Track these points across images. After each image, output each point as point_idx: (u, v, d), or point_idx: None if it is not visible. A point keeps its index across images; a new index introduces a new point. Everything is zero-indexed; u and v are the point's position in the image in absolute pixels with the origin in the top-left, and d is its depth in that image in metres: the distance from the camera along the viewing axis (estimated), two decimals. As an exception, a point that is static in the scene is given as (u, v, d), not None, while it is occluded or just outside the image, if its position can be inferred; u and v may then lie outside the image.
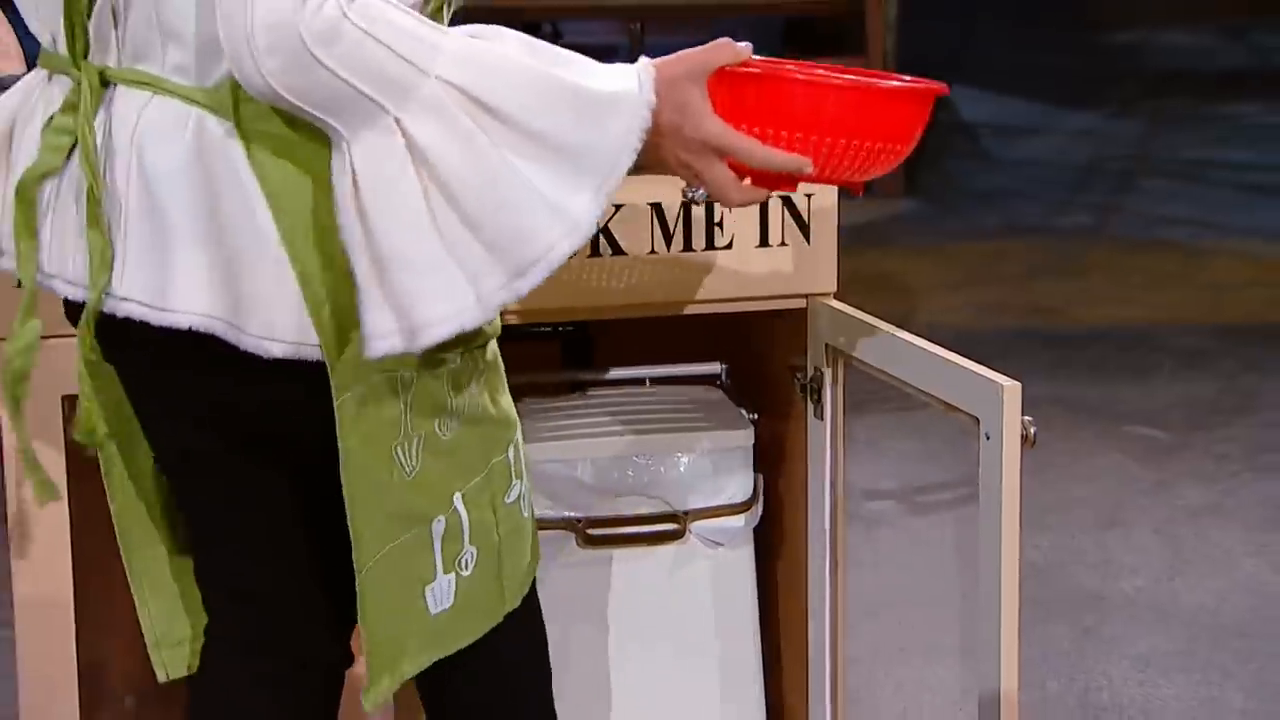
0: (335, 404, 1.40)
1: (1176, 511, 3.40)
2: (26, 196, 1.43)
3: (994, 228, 5.63)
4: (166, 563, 1.65)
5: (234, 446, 1.51)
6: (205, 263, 1.37)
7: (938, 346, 1.83)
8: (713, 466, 2.18)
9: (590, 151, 1.34)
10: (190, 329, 1.37)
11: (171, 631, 1.66)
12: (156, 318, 1.38)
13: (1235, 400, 4.02)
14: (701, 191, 1.48)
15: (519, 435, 1.59)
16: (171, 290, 1.37)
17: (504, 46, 1.34)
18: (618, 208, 1.99)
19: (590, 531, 2.15)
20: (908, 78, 1.53)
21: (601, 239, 1.99)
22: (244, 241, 1.36)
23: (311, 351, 1.38)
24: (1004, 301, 4.83)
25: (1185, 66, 8.46)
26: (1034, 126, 7.27)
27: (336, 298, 1.36)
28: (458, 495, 1.49)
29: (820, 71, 1.50)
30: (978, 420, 1.78)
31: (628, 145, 1.36)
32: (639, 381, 2.31)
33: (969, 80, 7.95)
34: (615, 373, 2.31)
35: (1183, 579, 3.11)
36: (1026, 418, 1.76)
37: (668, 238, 2.02)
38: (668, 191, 1.96)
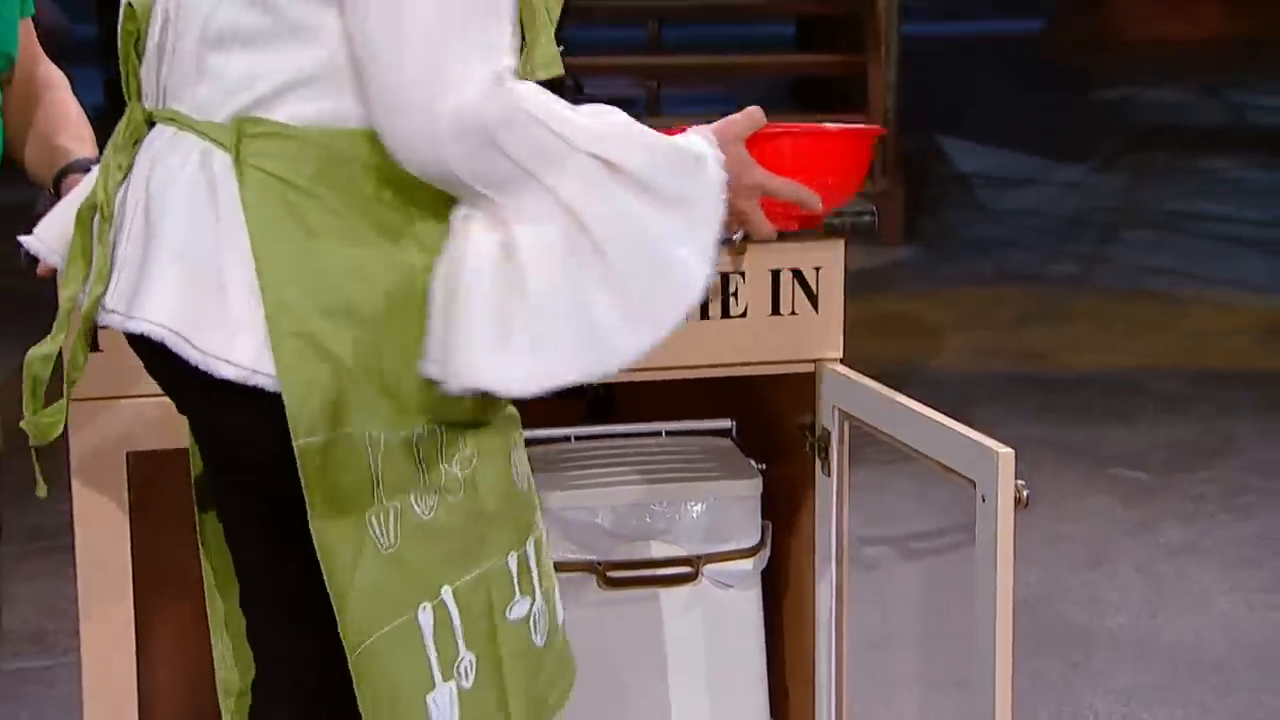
0: (296, 446, 1.34)
1: (1158, 551, 3.35)
2: (83, 223, 1.44)
3: (989, 274, 5.59)
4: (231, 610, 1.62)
5: (217, 473, 1.50)
6: (177, 278, 1.35)
7: (936, 412, 1.81)
8: (724, 513, 2.15)
9: (697, 201, 1.42)
10: (143, 335, 1.35)
11: (231, 680, 1.62)
12: (122, 323, 1.38)
13: (1213, 443, 3.96)
14: (741, 233, 1.61)
15: (532, 550, 1.47)
16: (140, 298, 1.37)
17: (617, 117, 1.40)
18: None
19: (610, 574, 2.12)
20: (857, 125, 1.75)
21: None
22: (220, 265, 1.34)
23: (266, 381, 1.34)
24: (997, 346, 4.79)
25: (1167, 122, 8.42)
26: (1026, 178, 7.24)
27: (304, 337, 1.33)
28: (446, 588, 1.40)
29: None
30: (974, 483, 1.76)
31: (719, 193, 1.44)
32: (656, 434, 2.29)
33: (966, 134, 7.95)
34: (634, 426, 2.29)
35: (1164, 616, 3.06)
36: (1019, 481, 1.73)
37: None
38: None
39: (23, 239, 1.58)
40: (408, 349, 1.36)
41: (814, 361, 2.01)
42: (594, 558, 2.11)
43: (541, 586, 1.48)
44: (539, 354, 1.35)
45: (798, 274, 2.00)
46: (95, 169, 1.50)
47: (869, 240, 5.26)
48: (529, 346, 1.34)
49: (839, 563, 2.07)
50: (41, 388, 1.48)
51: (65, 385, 1.49)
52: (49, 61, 1.92)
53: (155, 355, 1.39)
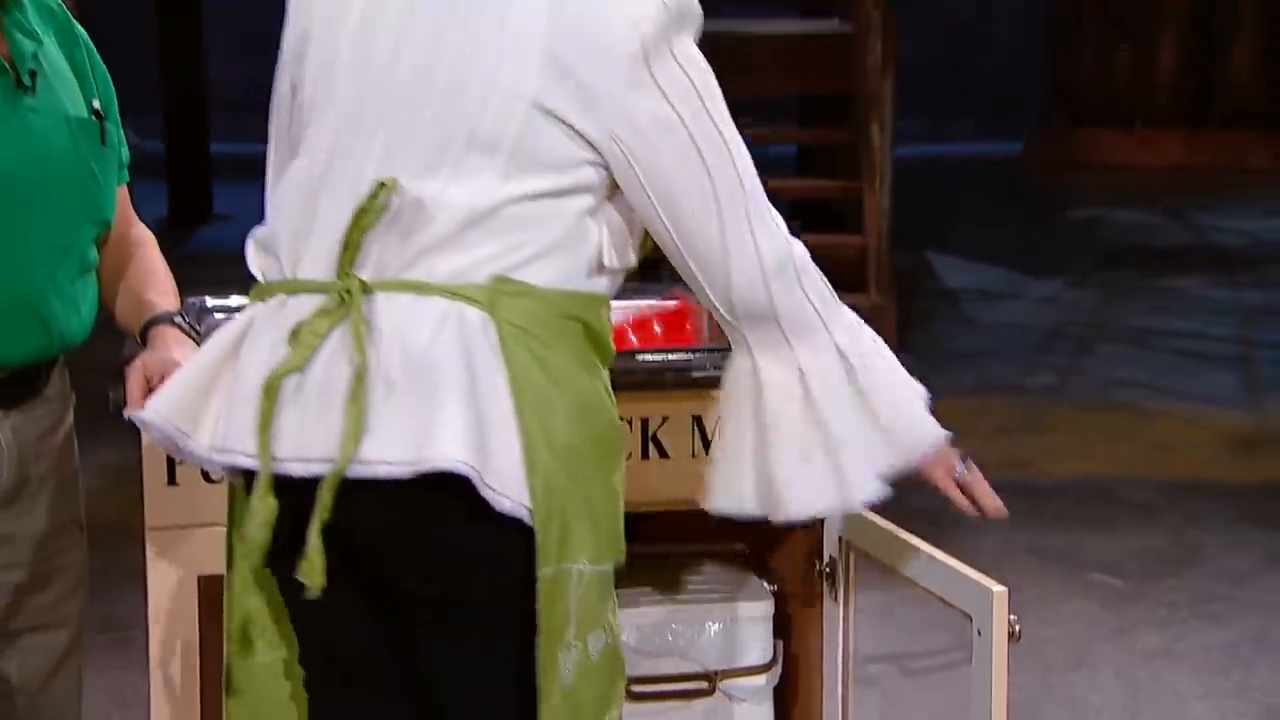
0: (538, 576, 1.37)
1: (1134, 655, 3.32)
2: (273, 390, 1.43)
3: (972, 386, 5.58)
4: None
5: (420, 604, 1.44)
6: (462, 424, 1.37)
7: (936, 549, 1.81)
8: (739, 632, 2.15)
9: (899, 434, 1.57)
10: (445, 473, 1.35)
11: None
12: (410, 470, 1.36)
13: (1181, 551, 3.94)
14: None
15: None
16: (431, 442, 1.36)
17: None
18: (665, 419, 1.99)
19: (634, 688, 2.10)
20: None
21: (651, 445, 1.98)
22: (490, 410, 1.37)
23: (525, 514, 1.37)
24: (981, 454, 4.73)
25: (1135, 242, 8.45)
26: (1007, 292, 7.25)
27: (549, 474, 1.38)
28: None
29: None
30: (970, 617, 1.76)
31: (925, 442, 1.60)
32: (674, 556, 2.29)
33: (952, 251, 7.98)
34: (654, 548, 2.29)
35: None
36: (1012, 616, 1.74)
37: (705, 443, 2.01)
38: (707, 405, 1.97)
39: (148, 418, 1.54)
40: (608, 486, 1.44)
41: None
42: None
43: None
44: (830, 482, 1.52)
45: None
46: (235, 326, 1.51)
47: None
48: (827, 474, 1.51)
49: (845, 683, 2.07)
50: (262, 552, 1.44)
51: (312, 534, 1.41)
52: (139, 222, 1.95)
53: (393, 495, 1.38)
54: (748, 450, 1.56)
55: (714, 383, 1.83)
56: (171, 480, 1.90)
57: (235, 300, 2.26)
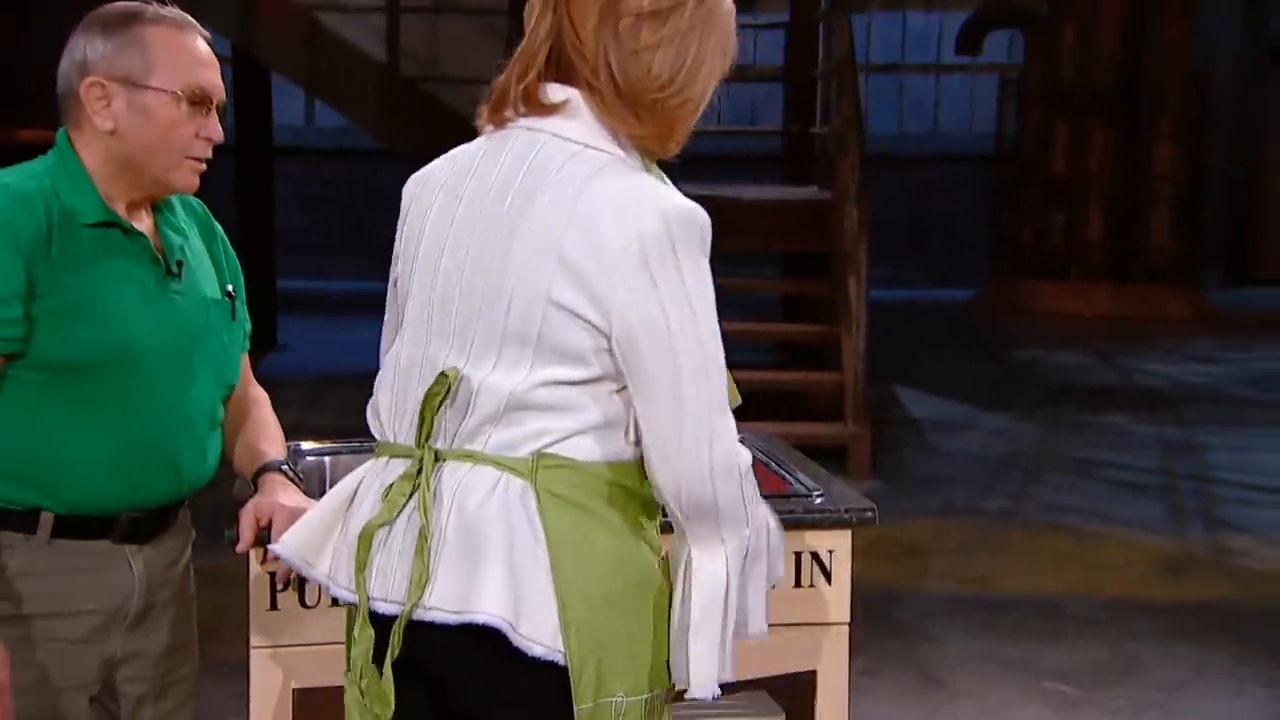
0: (576, 711, 1.41)
1: (1086, 756, 3.32)
2: (367, 539, 1.50)
3: (936, 508, 5.57)
4: None
5: None
6: (502, 578, 1.43)
7: None
8: None
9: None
10: (484, 625, 1.41)
11: None
12: (457, 619, 1.43)
13: (1123, 663, 3.92)
14: None
15: None
16: (475, 596, 1.42)
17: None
18: None
19: None
20: None
21: None
22: (526, 568, 1.42)
23: (559, 657, 1.41)
24: (944, 570, 4.78)
25: (1070, 381, 8.48)
26: (965, 424, 7.25)
27: (583, 621, 1.42)
28: None
29: None
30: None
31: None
32: None
33: (917, 385, 8.01)
34: None
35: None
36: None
37: None
38: None
39: (281, 552, 1.62)
40: (644, 625, 1.46)
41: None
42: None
43: None
44: (728, 661, 1.48)
45: (815, 555, 2.05)
46: (360, 485, 1.57)
47: (854, 478, 5.20)
48: (728, 655, 1.47)
49: None
50: (379, 677, 1.49)
51: (385, 668, 1.49)
52: (255, 382, 2.01)
53: (448, 638, 1.44)
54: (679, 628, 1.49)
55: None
56: (273, 606, 1.93)
57: (313, 444, 2.29)
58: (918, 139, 13.70)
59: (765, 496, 1.55)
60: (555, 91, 1.48)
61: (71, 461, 1.72)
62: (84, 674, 1.78)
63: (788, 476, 2.22)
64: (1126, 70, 10.69)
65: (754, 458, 1.54)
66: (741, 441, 1.51)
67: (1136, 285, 10.70)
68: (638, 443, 1.49)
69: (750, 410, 1.70)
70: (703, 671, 1.45)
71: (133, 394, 1.74)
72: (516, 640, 1.41)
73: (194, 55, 1.75)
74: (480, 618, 1.42)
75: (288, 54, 6.96)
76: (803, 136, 8.58)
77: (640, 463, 1.50)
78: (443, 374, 1.48)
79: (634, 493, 1.50)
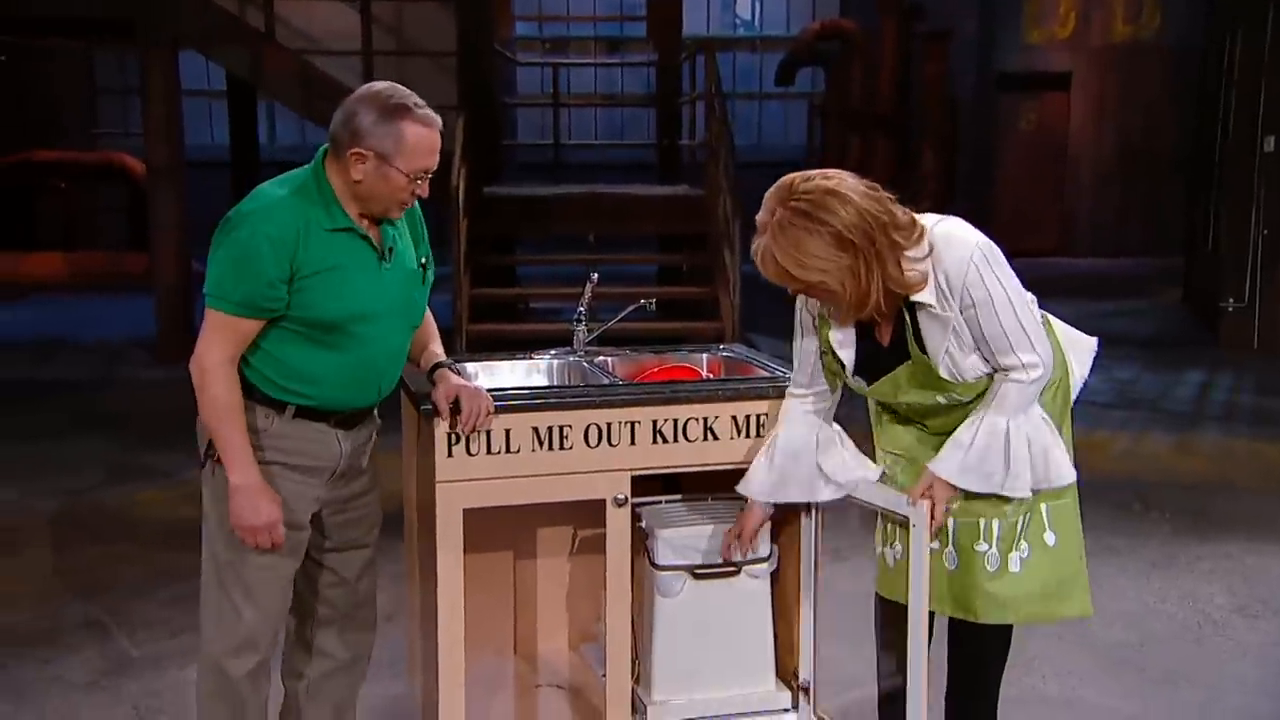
0: None
1: None
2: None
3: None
4: None
5: None
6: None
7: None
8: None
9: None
10: None
11: None
12: None
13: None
14: None
15: None
16: None
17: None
18: (729, 416, 2.26)
19: (696, 572, 2.35)
20: None
21: (744, 428, 2.26)
22: None
23: None
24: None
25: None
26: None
27: None
28: None
29: None
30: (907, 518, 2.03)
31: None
32: (707, 499, 2.40)
33: (768, 334, 8.16)
34: (694, 495, 2.40)
35: None
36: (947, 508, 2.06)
37: (755, 430, 2.27)
38: (750, 407, 2.27)
39: (747, 490, 2.07)
40: None
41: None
42: (687, 563, 2.34)
43: None
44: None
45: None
46: None
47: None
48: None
49: (815, 568, 2.36)
50: None
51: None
52: (428, 309, 2.25)
53: None
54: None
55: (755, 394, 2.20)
56: (449, 454, 2.18)
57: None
58: (746, 150, 14.06)
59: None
60: None
61: (314, 378, 2.02)
62: (308, 505, 2.10)
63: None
64: (900, 97, 11.40)
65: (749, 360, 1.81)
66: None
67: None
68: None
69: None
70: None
71: (357, 340, 2.00)
72: None
73: (430, 148, 1.94)
74: None
75: (286, 88, 7.09)
76: (671, 148, 8.90)
77: None
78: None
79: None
